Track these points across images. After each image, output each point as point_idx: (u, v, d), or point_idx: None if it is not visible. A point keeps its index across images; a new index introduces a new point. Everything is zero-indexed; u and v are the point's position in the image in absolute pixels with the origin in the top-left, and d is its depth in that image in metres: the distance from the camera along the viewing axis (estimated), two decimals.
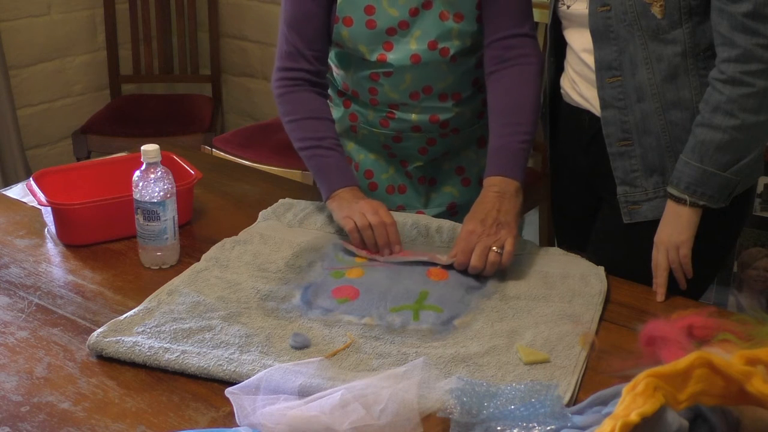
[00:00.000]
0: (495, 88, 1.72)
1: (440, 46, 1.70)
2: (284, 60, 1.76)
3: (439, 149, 1.86)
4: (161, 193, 1.55)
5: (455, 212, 1.89)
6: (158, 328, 1.35)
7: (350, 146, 1.90)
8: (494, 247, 1.53)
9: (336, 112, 1.87)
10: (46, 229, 1.74)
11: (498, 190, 1.61)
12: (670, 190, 1.54)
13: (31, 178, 1.76)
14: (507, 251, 1.53)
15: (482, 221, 1.56)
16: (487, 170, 1.65)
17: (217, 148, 2.92)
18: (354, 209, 1.62)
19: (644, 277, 1.56)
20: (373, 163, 1.89)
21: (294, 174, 2.60)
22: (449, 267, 1.57)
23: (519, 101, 1.69)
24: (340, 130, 1.86)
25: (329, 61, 1.81)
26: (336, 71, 1.84)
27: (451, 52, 1.71)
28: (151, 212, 1.56)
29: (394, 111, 1.80)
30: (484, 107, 1.80)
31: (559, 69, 1.78)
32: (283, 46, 1.76)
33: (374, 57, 1.71)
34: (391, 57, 1.71)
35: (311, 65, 1.75)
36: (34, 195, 1.70)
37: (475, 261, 1.53)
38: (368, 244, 1.61)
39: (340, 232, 1.68)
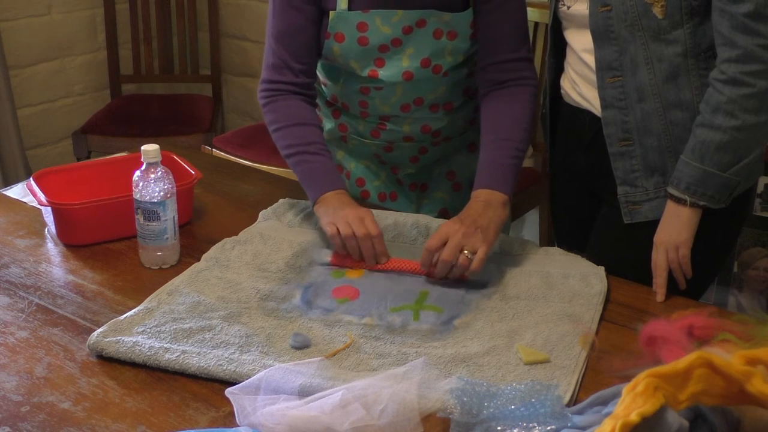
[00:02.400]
0: (489, 108, 1.70)
1: (433, 63, 1.68)
2: (270, 72, 1.72)
3: (430, 157, 1.86)
4: (161, 193, 1.55)
5: (447, 218, 1.87)
6: (158, 328, 1.35)
7: (340, 155, 1.89)
8: (465, 251, 1.49)
9: (325, 123, 1.85)
10: (46, 229, 1.74)
11: (484, 200, 1.58)
12: (671, 190, 1.54)
13: (31, 178, 1.76)
14: (479, 257, 1.49)
15: (461, 221, 1.54)
16: (475, 184, 1.63)
17: (217, 148, 2.92)
18: (339, 216, 1.57)
19: (644, 277, 1.56)
20: (364, 170, 1.88)
21: (294, 174, 2.60)
22: None
23: (512, 119, 1.67)
24: (330, 139, 1.85)
25: (317, 72, 1.78)
26: (324, 83, 1.81)
27: (444, 68, 1.70)
28: (151, 212, 1.56)
29: (385, 122, 1.78)
30: (475, 114, 1.79)
31: (559, 69, 1.78)
32: (270, 58, 1.72)
33: (365, 73, 1.69)
34: (382, 73, 1.69)
35: (298, 78, 1.71)
36: (35, 195, 1.70)
37: (445, 254, 1.49)
38: (351, 252, 1.57)
39: None
